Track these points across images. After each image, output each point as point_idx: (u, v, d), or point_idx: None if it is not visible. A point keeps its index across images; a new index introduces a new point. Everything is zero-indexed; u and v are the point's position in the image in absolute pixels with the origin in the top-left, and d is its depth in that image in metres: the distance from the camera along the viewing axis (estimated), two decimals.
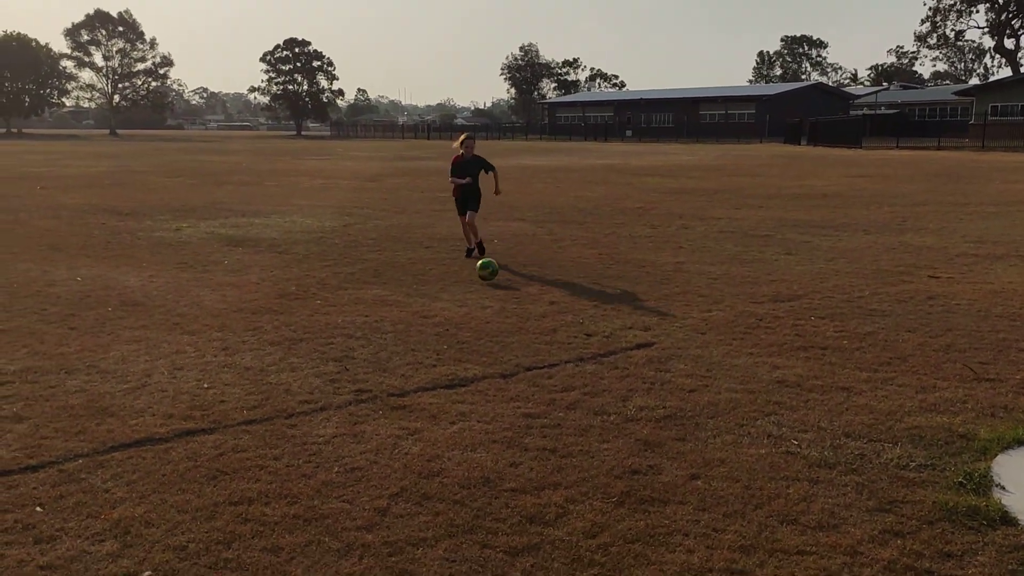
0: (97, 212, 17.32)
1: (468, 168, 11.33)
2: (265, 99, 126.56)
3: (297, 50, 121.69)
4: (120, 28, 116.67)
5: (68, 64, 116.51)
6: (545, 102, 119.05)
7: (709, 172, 31.53)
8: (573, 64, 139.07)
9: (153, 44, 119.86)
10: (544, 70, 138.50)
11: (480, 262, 10.02)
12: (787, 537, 3.87)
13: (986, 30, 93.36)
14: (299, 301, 8.82)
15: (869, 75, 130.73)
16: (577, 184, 25.60)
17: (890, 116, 77.93)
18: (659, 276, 10.28)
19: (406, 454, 4.80)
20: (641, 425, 5.25)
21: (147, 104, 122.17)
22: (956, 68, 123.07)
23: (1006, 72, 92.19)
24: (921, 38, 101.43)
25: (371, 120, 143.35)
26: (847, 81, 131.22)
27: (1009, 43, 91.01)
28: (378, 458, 4.74)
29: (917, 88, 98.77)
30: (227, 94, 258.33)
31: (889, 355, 6.79)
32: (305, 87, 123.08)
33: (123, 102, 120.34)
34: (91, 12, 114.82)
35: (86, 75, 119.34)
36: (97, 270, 10.63)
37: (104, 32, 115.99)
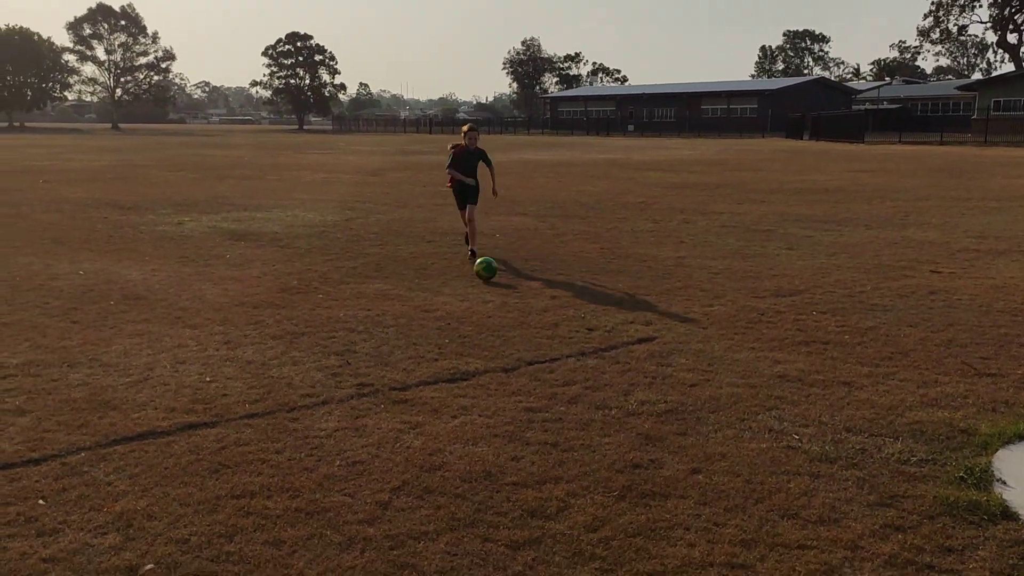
0: (99, 206, 17.33)
1: (470, 160, 10.93)
2: (267, 93, 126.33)
3: (299, 44, 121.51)
4: (122, 22, 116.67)
5: (70, 58, 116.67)
6: (547, 96, 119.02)
7: (711, 167, 31.50)
8: (575, 58, 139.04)
9: (155, 38, 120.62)
10: (546, 64, 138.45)
11: (479, 261, 9.77)
12: (788, 531, 3.88)
13: (989, 25, 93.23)
14: (301, 295, 8.83)
15: (872, 70, 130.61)
16: (579, 179, 25.58)
17: (892, 111, 77.81)
18: (661, 271, 10.28)
19: (408, 448, 4.81)
20: (642, 419, 5.26)
21: (149, 98, 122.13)
22: (959, 63, 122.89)
23: (1009, 67, 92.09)
24: (924, 32, 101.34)
25: (373, 114, 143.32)
26: (849, 76, 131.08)
27: (1012, 38, 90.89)
28: (380, 452, 4.75)
29: (920, 83, 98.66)
30: (229, 88, 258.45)
31: (890, 350, 6.79)
32: (307, 81, 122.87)
33: (125, 96, 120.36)
34: (93, 6, 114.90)
35: (88, 69, 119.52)
36: (99, 264, 10.64)
37: (106, 26, 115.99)
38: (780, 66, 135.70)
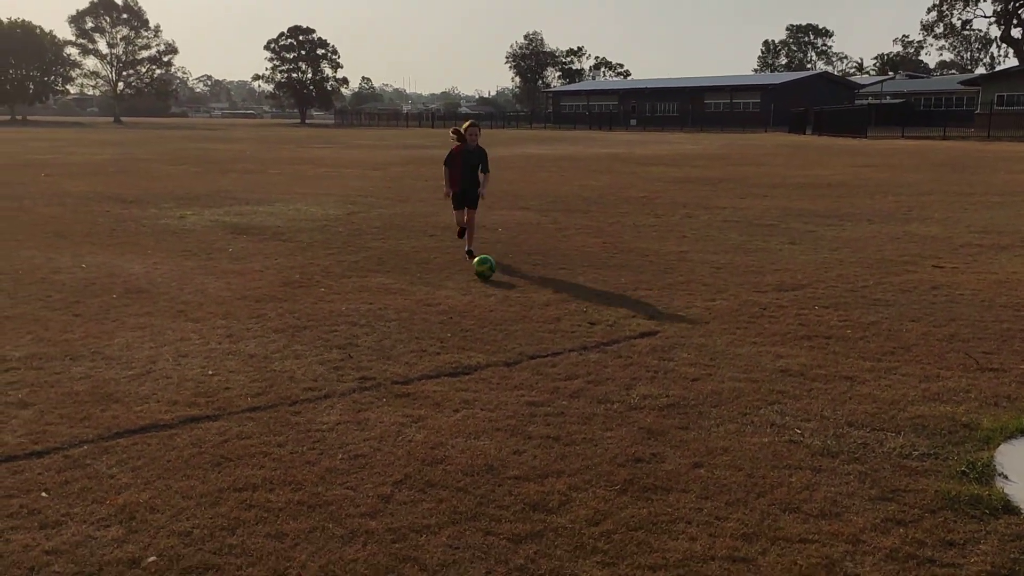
0: (102, 200, 17.34)
1: (470, 160, 10.40)
2: (269, 87, 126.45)
3: (302, 38, 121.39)
4: (124, 15, 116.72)
5: (72, 51, 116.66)
6: (550, 91, 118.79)
7: (713, 161, 31.46)
8: (578, 53, 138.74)
9: (157, 31, 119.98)
10: (549, 59, 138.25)
11: (477, 259, 9.54)
12: (789, 525, 3.88)
13: (993, 19, 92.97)
14: (303, 289, 8.83)
15: (875, 64, 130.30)
16: (581, 173, 25.56)
17: (896, 106, 77.67)
18: (663, 265, 10.27)
19: (410, 441, 4.82)
20: (644, 413, 5.26)
21: (151, 92, 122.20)
22: (962, 57, 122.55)
23: (1012, 62, 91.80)
24: (927, 27, 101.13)
25: (375, 109, 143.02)
26: (853, 70, 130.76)
27: (1016, 32, 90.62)
28: (382, 445, 4.76)
29: (923, 77, 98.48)
30: (231, 82, 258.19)
31: (893, 345, 6.78)
32: (309, 75, 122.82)
33: (127, 89, 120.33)
34: None
35: (90, 62, 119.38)
36: (102, 257, 10.65)
37: (108, 19, 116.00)
38: (783, 60, 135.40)
